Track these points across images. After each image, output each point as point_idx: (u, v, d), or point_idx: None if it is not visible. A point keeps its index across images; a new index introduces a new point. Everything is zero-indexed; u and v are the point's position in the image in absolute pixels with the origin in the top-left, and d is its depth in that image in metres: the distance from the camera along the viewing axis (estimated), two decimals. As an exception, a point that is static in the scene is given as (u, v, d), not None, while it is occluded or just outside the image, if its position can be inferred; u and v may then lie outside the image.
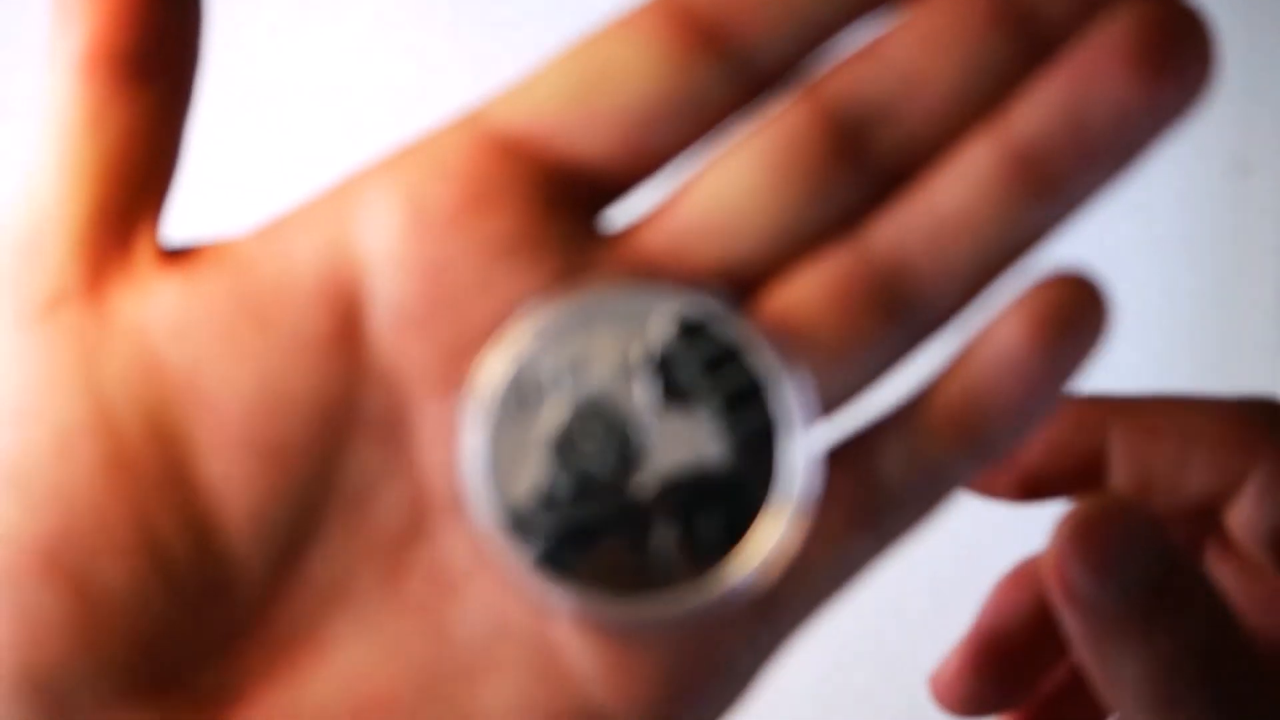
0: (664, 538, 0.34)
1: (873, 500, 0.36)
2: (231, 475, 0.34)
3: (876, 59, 0.35)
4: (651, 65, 0.35)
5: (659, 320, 0.35)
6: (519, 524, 0.34)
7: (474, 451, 0.34)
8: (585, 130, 0.35)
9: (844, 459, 0.36)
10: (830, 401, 0.36)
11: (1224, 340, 0.99)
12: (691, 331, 0.35)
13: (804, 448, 0.34)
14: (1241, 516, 0.43)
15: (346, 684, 0.35)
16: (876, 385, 0.36)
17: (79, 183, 0.35)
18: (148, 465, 0.34)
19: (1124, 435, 0.43)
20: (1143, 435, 0.43)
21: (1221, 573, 0.45)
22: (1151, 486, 0.43)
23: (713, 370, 0.35)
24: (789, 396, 0.34)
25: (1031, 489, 0.45)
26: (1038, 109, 0.34)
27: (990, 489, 0.45)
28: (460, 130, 0.36)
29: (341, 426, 0.35)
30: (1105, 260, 0.40)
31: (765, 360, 0.34)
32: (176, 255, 0.36)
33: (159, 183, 0.36)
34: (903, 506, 0.36)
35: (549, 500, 0.35)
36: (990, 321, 0.35)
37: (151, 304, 0.35)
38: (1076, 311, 0.35)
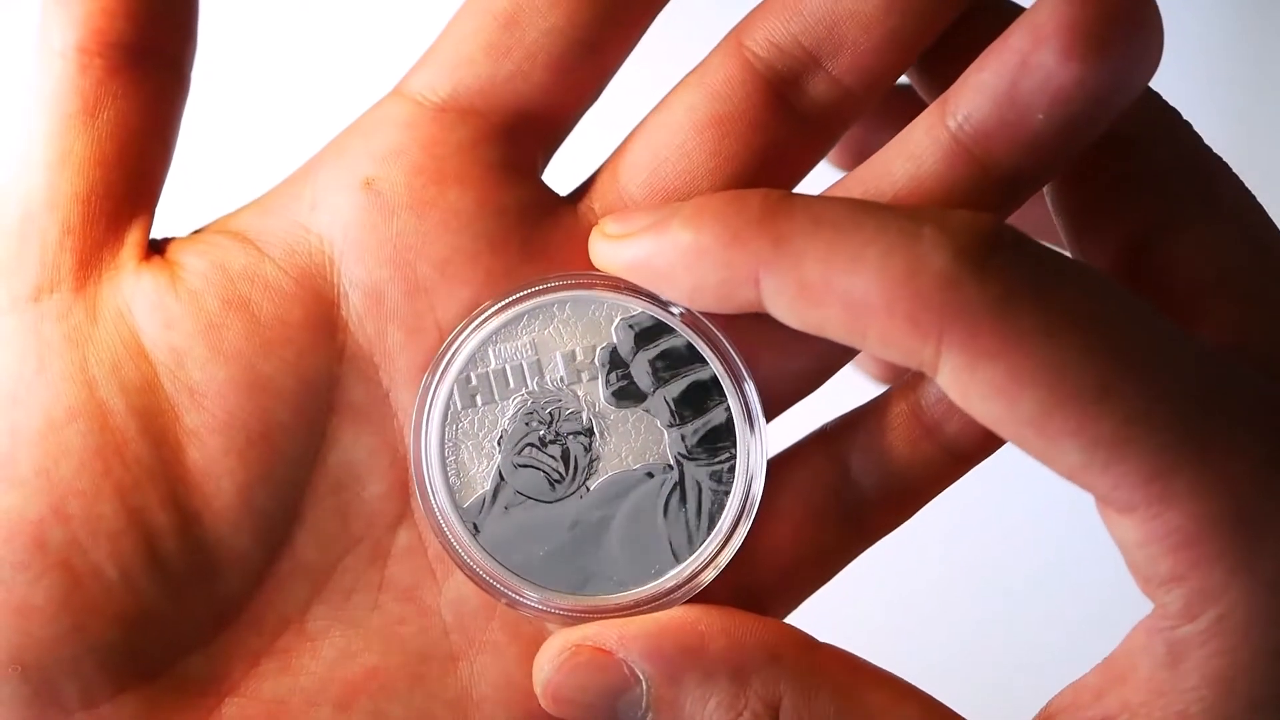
0: (613, 531, 0.35)
1: (848, 498, 0.36)
2: (218, 460, 0.35)
3: (797, 7, 0.35)
4: None
5: (615, 321, 0.35)
6: (469, 515, 0.35)
7: (430, 443, 0.35)
8: (514, 74, 0.35)
9: (818, 456, 0.36)
10: (781, 396, 0.36)
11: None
12: (645, 332, 0.35)
13: (754, 445, 0.35)
14: (951, 396, 0.32)
15: (334, 668, 0.35)
16: (826, 381, 0.37)
17: (73, 173, 0.35)
18: (135, 450, 0.34)
19: (778, 293, 0.32)
20: (799, 295, 0.32)
21: None
22: (828, 337, 0.32)
23: (665, 370, 0.35)
24: (739, 395, 0.35)
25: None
26: (975, 92, 0.34)
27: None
28: (395, 106, 0.36)
29: (325, 412, 0.35)
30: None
31: (716, 360, 0.35)
32: (158, 245, 0.36)
33: (152, 174, 0.36)
34: (877, 506, 0.36)
35: (501, 492, 0.35)
36: None
37: (138, 294, 0.35)
38: None
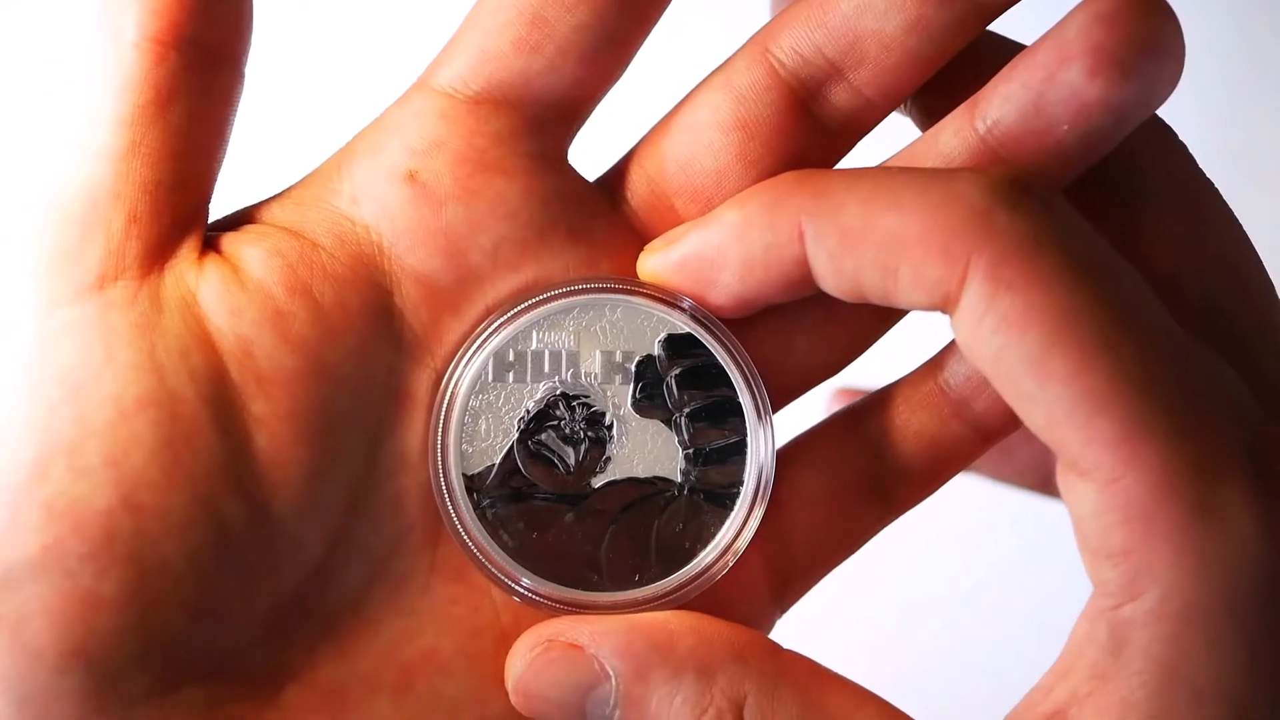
0: (607, 532, 0.37)
1: (877, 476, 0.38)
2: (285, 448, 0.34)
3: (821, 18, 0.36)
4: None
5: (660, 335, 0.37)
6: (473, 484, 0.36)
7: (452, 407, 0.36)
8: (546, 69, 0.36)
9: (847, 435, 0.38)
10: (793, 388, 0.38)
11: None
12: (683, 351, 0.37)
13: (761, 457, 0.37)
14: (960, 337, 0.33)
15: (390, 652, 0.36)
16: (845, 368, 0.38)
17: (141, 163, 0.34)
18: (206, 439, 0.34)
19: (819, 241, 0.34)
20: (839, 240, 0.34)
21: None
22: (863, 295, 0.34)
23: (692, 391, 0.37)
24: (760, 428, 0.37)
25: (745, 306, 0.37)
26: (1004, 100, 0.35)
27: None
28: (426, 99, 0.36)
29: (383, 399, 0.36)
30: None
31: (736, 380, 0.37)
32: (209, 241, 0.36)
33: (210, 172, 0.36)
34: (906, 482, 0.38)
35: (508, 469, 0.37)
36: None
37: (202, 282, 0.35)
38: None
